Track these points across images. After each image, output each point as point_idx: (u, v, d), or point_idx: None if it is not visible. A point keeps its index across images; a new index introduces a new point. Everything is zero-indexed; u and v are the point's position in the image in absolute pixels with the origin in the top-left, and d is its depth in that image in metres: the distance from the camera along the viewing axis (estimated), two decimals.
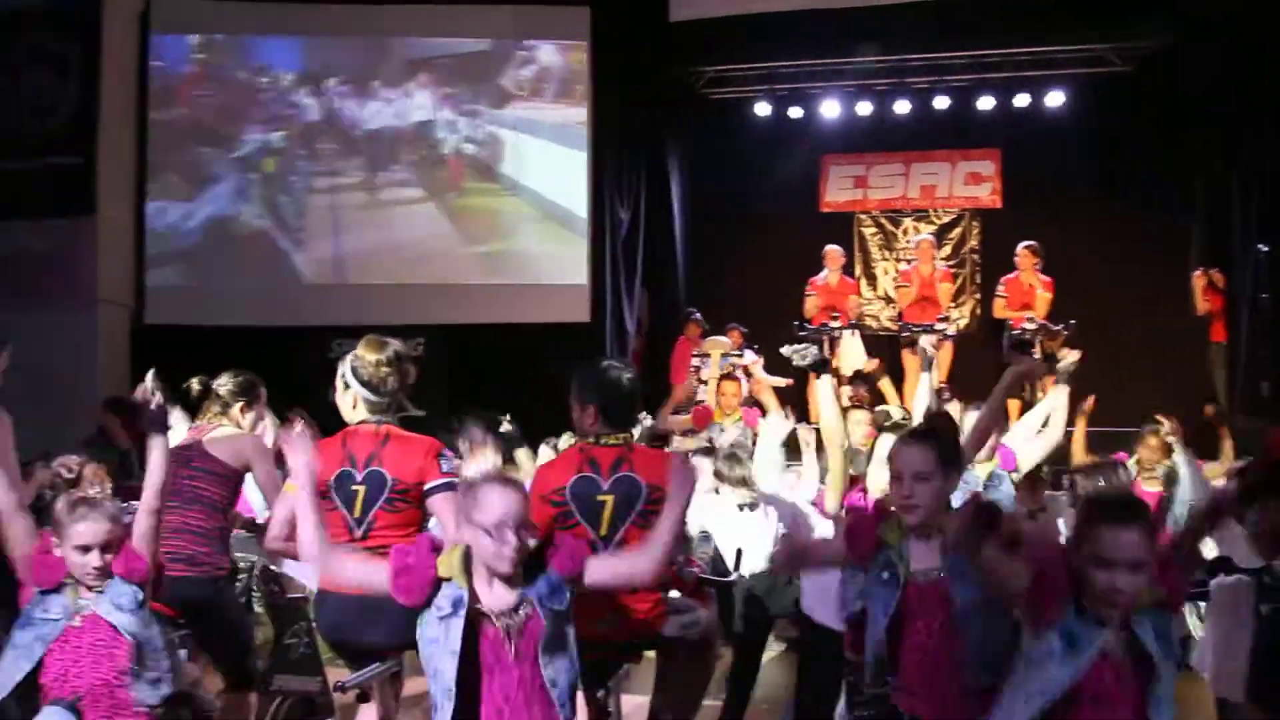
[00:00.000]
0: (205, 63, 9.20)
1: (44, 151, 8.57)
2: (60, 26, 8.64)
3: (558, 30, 9.07)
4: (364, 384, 3.32)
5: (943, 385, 8.58)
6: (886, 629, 2.67)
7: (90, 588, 2.82)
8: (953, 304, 9.62)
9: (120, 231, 8.78)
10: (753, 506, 4.74)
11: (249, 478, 3.98)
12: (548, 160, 9.03)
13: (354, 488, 3.21)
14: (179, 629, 3.64)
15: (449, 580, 2.39)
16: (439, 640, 2.37)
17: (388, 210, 9.15)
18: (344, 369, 3.37)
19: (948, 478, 2.73)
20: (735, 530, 4.75)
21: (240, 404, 3.97)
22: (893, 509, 2.78)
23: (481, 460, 2.50)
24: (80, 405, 7.99)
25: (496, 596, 2.38)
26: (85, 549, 2.79)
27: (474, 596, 2.36)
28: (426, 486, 3.22)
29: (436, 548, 2.45)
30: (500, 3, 9.07)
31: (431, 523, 3.38)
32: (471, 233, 9.08)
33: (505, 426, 4.38)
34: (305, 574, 4.07)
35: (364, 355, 3.35)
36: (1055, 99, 9.70)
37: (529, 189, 9.02)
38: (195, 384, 3.99)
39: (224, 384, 3.98)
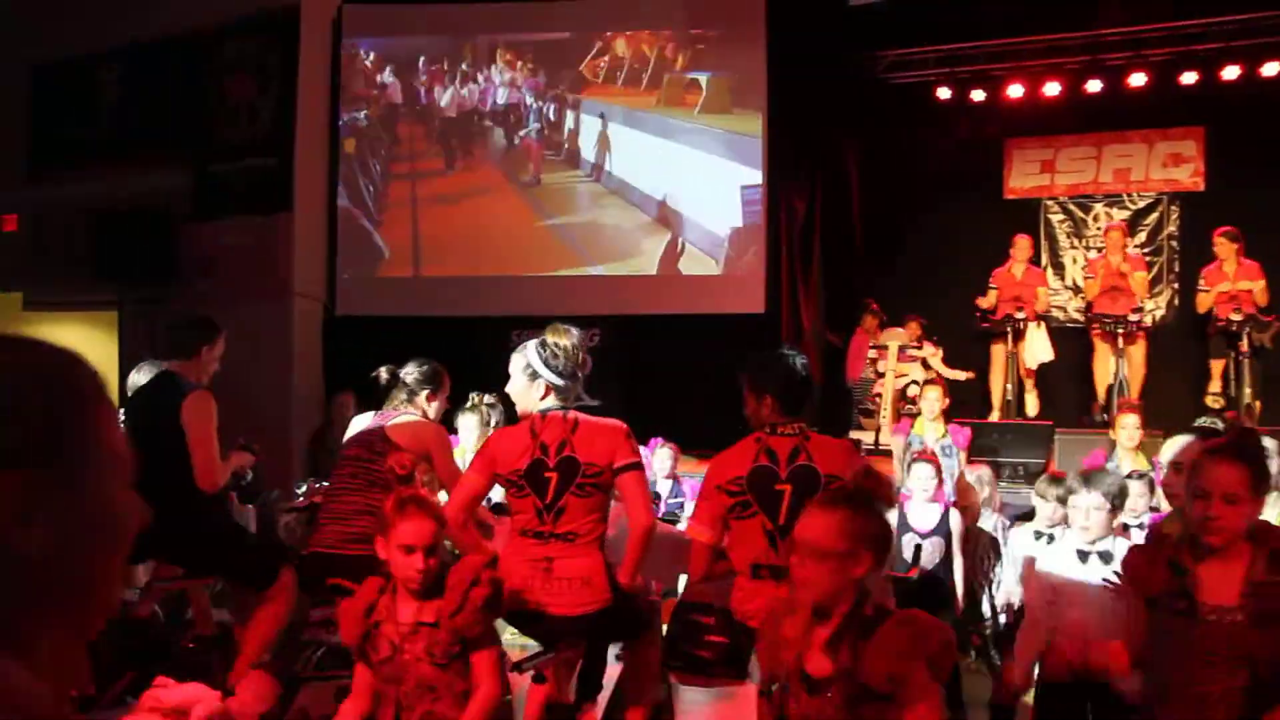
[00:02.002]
0: (385, 65, 9.56)
1: (245, 154, 9.12)
2: (262, 37, 9.16)
3: (731, 17, 8.98)
4: (557, 372, 3.37)
5: (1134, 381, 8.12)
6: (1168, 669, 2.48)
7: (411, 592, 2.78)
8: (1148, 294, 9.03)
9: (314, 227, 9.22)
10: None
11: None
12: (720, 148, 8.95)
13: (546, 475, 3.27)
14: None
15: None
16: None
17: (567, 203, 9.27)
18: (530, 358, 3.40)
19: (1256, 502, 2.50)
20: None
21: (426, 392, 4.10)
22: (1166, 530, 2.63)
23: None
24: (275, 394, 8.48)
25: (404, 610, 2.73)
26: (409, 549, 2.74)
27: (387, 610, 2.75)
28: (616, 466, 3.27)
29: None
30: None
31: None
32: (643, 223, 9.10)
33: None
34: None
35: (558, 343, 3.40)
36: (1270, 70, 8.93)
37: (700, 178, 8.96)
38: (384, 373, 4.13)
39: (410, 373, 4.11)
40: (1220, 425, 4.67)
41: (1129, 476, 4.57)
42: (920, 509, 4.93)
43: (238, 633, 4.34)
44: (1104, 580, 3.33)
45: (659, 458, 6.60)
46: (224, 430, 4.23)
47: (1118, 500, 3.58)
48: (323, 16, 9.32)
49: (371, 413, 4.13)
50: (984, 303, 8.75)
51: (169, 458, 3.98)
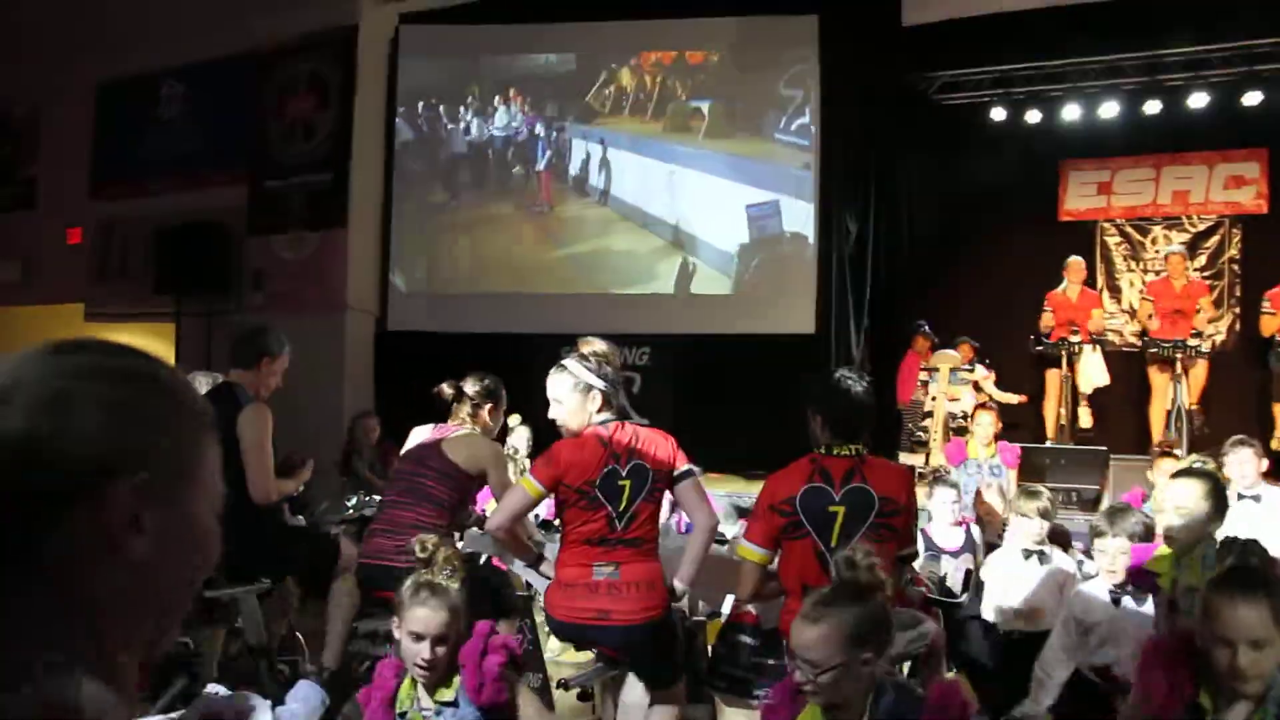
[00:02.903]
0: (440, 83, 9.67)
1: (301, 170, 9.28)
2: (320, 56, 9.32)
3: (785, 39, 8.97)
4: (607, 379, 3.39)
5: (1194, 408, 7.94)
6: None
7: (423, 685, 2.65)
8: (1209, 319, 8.83)
9: (367, 243, 9.34)
10: (1040, 556, 4.37)
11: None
12: (771, 169, 8.94)
13: (620, 483, 3.28)
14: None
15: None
16: None
17: (616, 223, 9.30)
18: (577, 373, 3.39)
19: None
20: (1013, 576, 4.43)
21: (488, 406, 4.12)
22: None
23: None
24: (326, 406, 8.57)
25: (421, 698, 2.63)
26: (418, 637, 2.62)
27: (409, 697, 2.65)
28: (677, 471, 3.34)
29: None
30: (726, 14, 9.06)
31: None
32: (698, 241, 9.10)
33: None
34: (531, 574, 4.17)
35: (595, 350, 3.43)
36: None
37: (750, 196, 8.95)
38: (446, 387, 4.15)
39: (471, 387, 4.13)
40: (1210, 465, 4.48)
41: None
42: (944, 531, 4.87)
43: (285, 639, 4.38)
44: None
45: None
46: (277, 441, 4.27)
47: (1144, 541, 3.52)
48: (380, 35, 9.46)
49: (429, 426, 4.15)
50: (1042, 325, 8.63)
51: (224, 468, 4.03)
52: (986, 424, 6.53)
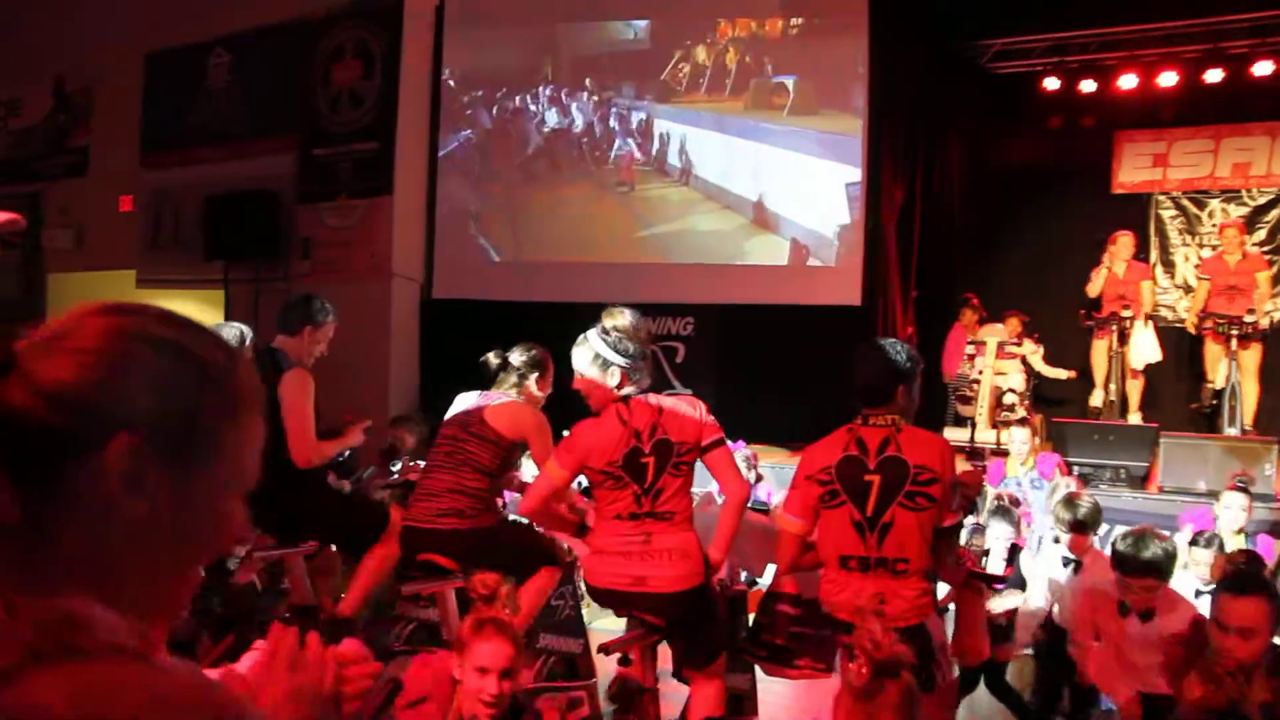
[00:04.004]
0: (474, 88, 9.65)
1: (348, 139, 9.33)
2: (366, 24, 9.34)
3: (833, 4, 8.83)
4: (626, 354, 3.37)
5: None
6: None
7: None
8: (1270, 294, 8.57)
9: (413, 211, 9.39)
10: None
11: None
12: (819, 138, 8.83)
13: (644, 461, 3.27)
14: (450, 577, 3.85)
15: None
16: None
17: (659, 192, 9.26)
18: (597, 347, 3.36)
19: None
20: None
21: (534, 376, 4.12)
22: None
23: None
24: (372, 372, 8.66)
25: None
26: (484, 670, 2.58)
27: None
28: (705, 443, 3.30)
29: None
30: None
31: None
32: (743, 212, 9.02)
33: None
34: (572, 539, 4.18)
35: (617, 325, 3.38)
36: None
37: (799, 166, 8.84)
38: (493, 357, 4.16)
39: (518, 357, 4.14)
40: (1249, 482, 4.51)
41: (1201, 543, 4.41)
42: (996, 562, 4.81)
43: (325, 604, 4.44)
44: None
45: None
46: (322, 406, 4.31)
47: (1166, 574, 3.44)
48: (426, 4, 9.46)
49: (476, 392, 4.17)
50: (1090, 289, 8.44)
51: (267, 431, 4.07)
52: (1021, 440, 6.39)
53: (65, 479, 0.80)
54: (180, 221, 10.16)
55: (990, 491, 6.07)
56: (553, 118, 9.47)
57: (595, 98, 9.36)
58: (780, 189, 8.86)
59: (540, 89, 9.48)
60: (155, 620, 0.84)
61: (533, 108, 9.50)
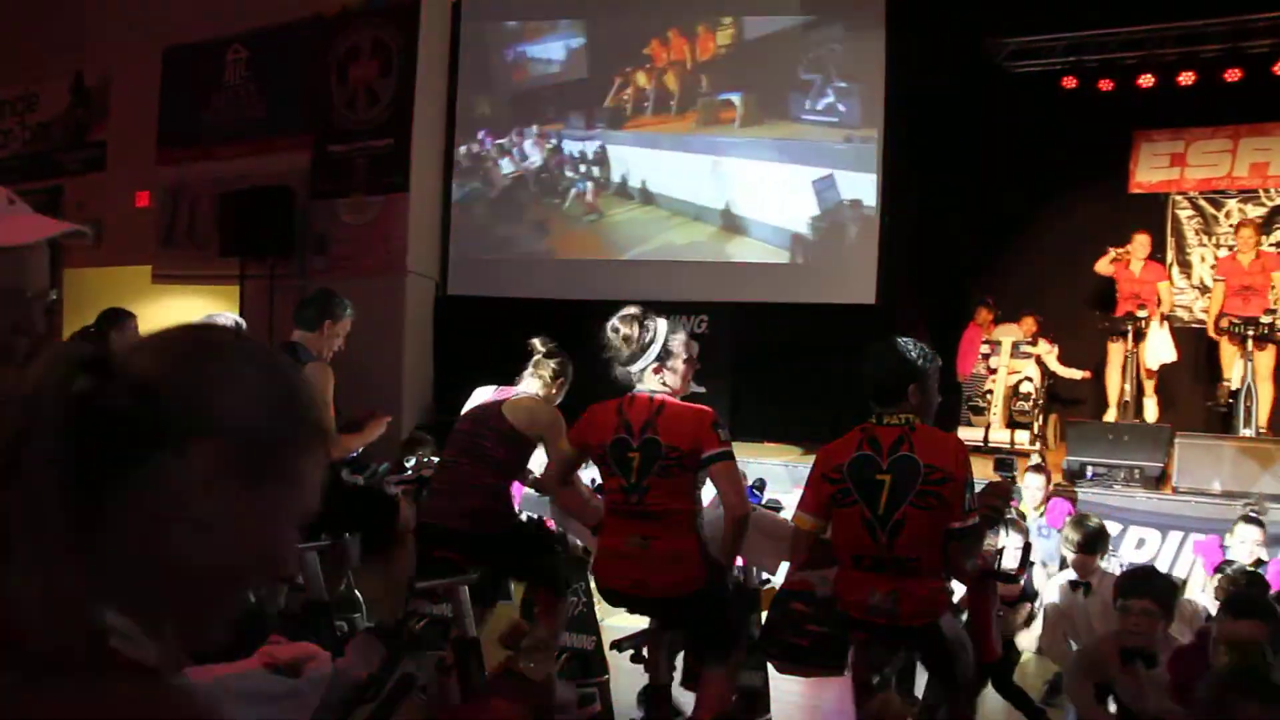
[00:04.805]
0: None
1: (364, 135, 9.36)
2: (383, 21, 9.37)
3: (850, 4, 8.81)
4: (618, 360, 3.42)
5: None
6: None
7: None
8: None
9: (428, 207, 9.41)
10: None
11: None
12: (835, 135, 8.81)
13: (629, 454, 3.27)
14: (463, 574, 3.86)
15: None
16: None
17: (626, 216, 9.26)
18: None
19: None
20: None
21: (559, 381, 4.18)
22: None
23: None
24: (387, 368, 8.69)
25: None
26: None
27: None
28: (704, 456, 3.24)
29: None
30: None
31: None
32: (758, 210, 9.01)
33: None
34: (585, 535, 4.20)
35: (616, 329, 3.46)
36: None
37: (815, 163, 8.83)
38: (539, 344, 4.22)
39: (552, 357, 4.18)
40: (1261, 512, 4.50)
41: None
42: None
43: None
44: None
45: None
46: (338, 403, 4.33)
47: (1167, 604, 3.41)
48: (443, 1, 9.48)
49: (492, 387, 4.19)
50: (1100, 267, 8.40)
51: None
52: (1035, 486, 6.28)
53: (145, 474, 0.79)
54: (196, 217, 10.21)
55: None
56: (506, 164, 9.52)
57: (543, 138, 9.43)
58: (751, 196, 8.95)
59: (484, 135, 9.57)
60: (187, 641, 0.84)
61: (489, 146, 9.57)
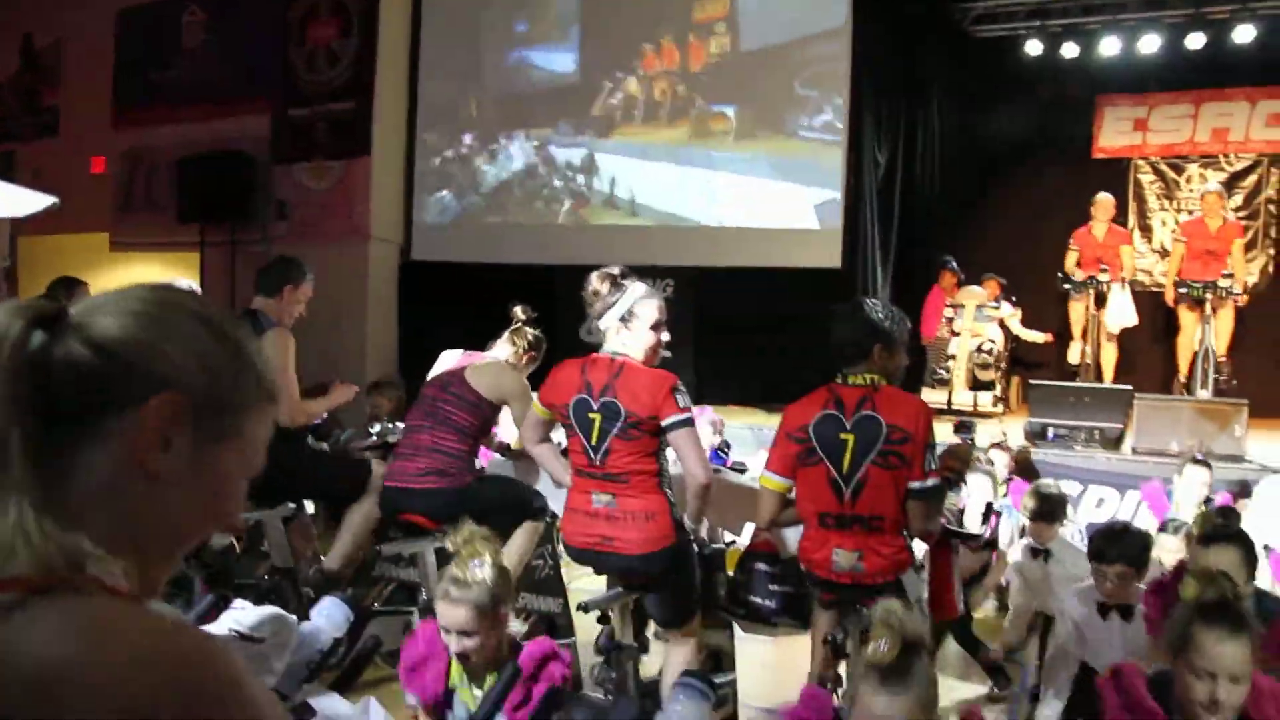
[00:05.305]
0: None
1: (325, 99, 9.21)
2: None
3: None
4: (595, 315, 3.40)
5: (1223, 360, 7.81)
6: None
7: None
8: (1243, 261, 8.62)
9: (391, 172, 9.31)
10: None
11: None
12: (801, 99, 8.78)
13: (590, 415, 3.26)
14: (430, 537, 3.85)
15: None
16: None
17: (646, 151, 9.19)
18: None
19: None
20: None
21: (531, 354, 4.18)
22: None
23: None
24: (350, 335, 8.62)
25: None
26: (447, 630, 2.57)
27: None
28: (664, 423, 3.23)
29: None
30: None
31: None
32: (725, 172, 8.98)
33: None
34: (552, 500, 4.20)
35: (587, 286, 3.44)
36: None
37: (783, 128, 8.81)
38: (520, 312, 4.23)
39: (530, 328, 4.21)
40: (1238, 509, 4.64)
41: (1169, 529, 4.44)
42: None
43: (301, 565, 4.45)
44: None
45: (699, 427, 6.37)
46: (300, 368, 4.30)
47: (1140, 563, 3.45)
48: None
49: (459, 351, 4.18)
50: (1067, 265, 8.49)
51: None
52: (1000, 464, 6.33)
53: (104, 427, 0.84)
54: (154, 183, 10.04)
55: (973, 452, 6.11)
56: (491, 170, 9.43)
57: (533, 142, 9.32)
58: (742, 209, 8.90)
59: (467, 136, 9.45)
60: (151, 574, 0.88)
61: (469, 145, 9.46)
